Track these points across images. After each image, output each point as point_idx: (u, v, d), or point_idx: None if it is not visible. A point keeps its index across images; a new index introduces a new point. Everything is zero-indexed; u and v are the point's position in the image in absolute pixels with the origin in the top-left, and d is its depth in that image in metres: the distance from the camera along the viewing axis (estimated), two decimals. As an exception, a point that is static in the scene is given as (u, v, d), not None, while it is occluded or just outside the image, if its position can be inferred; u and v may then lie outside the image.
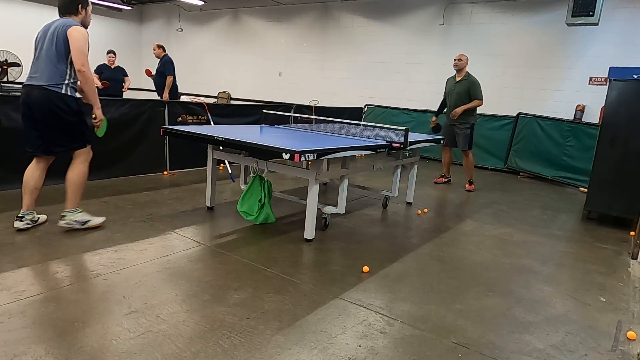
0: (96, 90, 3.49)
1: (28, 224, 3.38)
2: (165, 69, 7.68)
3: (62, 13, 3.35)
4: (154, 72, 7.98)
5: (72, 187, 3.38)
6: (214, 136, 3.56)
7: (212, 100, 11.28)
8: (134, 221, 3.76)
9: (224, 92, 12.57)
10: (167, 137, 5.56)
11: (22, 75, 10.72)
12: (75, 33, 3.19)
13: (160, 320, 2.26)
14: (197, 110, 6.05)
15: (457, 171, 6.87)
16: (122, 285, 2.61)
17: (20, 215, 3.37)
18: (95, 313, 2.28)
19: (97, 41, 12.95)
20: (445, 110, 6.32)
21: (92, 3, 3.52)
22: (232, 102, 12.31)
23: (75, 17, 3.34)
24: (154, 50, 7.90)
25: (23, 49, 11.18)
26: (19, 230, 3.32)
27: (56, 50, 3.19)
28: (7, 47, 10.66)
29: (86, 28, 3.35)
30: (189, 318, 2.30)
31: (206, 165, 4.18)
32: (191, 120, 5.97)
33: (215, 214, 4.18)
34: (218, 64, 12.95)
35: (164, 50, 7.90)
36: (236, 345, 2.09)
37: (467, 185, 6.19)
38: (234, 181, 5.55)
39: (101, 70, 8.32)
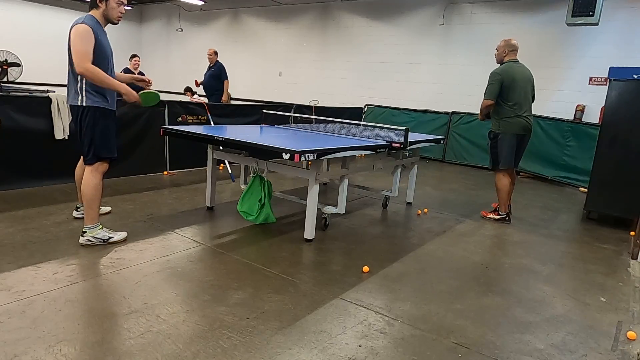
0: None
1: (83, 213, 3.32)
2: (222, 74, 7.99)
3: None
4: (201, 79, 8.21)
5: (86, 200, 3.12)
6: (214, 136, 3.56)
7: (212, 100, 11.27)
8: (134, 221, 3.76)
9: (224, 92, 12.56)
10: (167, 137, 5.56)
11: (22, 75, 10.72)
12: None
13: (160, 320, 2.26)
14: (197, 110, 6.05)
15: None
16: (122, 285, 2.61)
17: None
18: (95, 313, 2.28)
19: (97, 41, 13.01)
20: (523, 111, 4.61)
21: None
22: (232, 102, 12.31)
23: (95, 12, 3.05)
24: (210, 55, 8.08)
25: (23, 49, 11.23)
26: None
27: None
28: (7, 47, 10.64)
29: (113, 22, 3.10)
30: (189, 318, 2.30)
31: (206, 165, 4.18)
32: (191, 120, 5.97)
33: (215, 214, 4.18)
34: (218, 64, 12.93)
35: (217, 56, 8.15)
36: (236, 345, 2.09)
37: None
38: (234, 181, 5.55)
39: None
